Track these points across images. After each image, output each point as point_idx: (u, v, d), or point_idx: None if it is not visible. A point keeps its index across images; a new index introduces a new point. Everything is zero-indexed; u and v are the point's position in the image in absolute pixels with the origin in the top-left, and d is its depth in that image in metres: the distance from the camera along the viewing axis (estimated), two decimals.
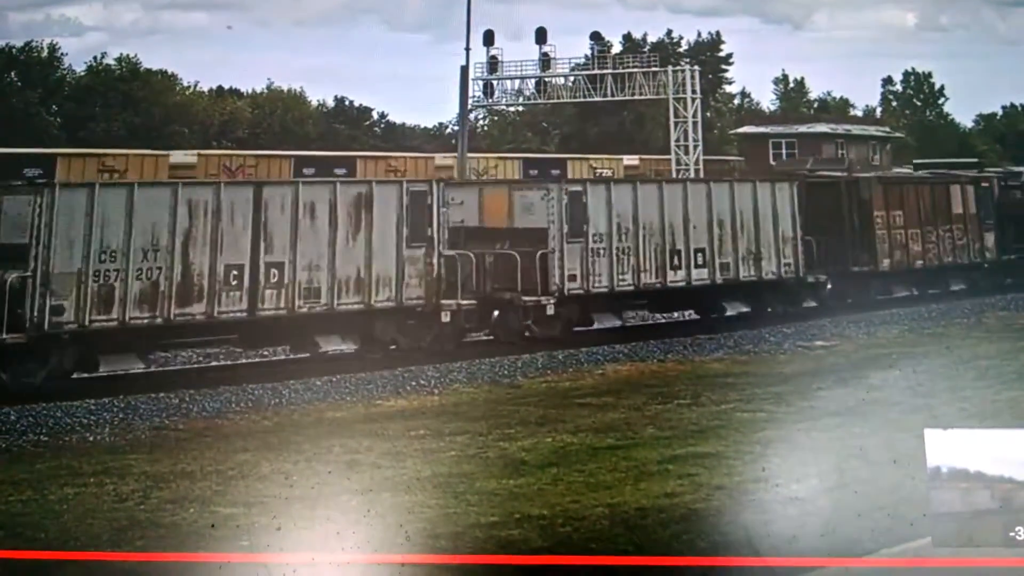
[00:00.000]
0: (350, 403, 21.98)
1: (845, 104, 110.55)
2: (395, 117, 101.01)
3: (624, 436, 17.95)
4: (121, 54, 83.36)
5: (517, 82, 63.53)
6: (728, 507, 13.44)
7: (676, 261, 29.90)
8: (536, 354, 26.83)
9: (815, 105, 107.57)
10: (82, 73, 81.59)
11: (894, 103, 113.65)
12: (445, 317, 26.09)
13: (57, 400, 21.15)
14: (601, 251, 28.47)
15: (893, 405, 18.93)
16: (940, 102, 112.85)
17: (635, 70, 60.48)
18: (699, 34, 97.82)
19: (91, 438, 19.27)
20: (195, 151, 31.18)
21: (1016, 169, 55.77)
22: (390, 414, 20.69)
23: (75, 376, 23.04)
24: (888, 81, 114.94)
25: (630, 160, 60.79)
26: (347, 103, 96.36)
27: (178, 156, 28.65)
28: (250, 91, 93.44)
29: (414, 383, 23.81)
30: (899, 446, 14.92)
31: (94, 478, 16.03)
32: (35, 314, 21.60)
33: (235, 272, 23.47)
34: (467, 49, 58.48)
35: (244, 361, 25.75)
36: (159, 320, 22.81)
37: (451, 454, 16.76)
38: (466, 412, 20.58)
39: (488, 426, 18.88)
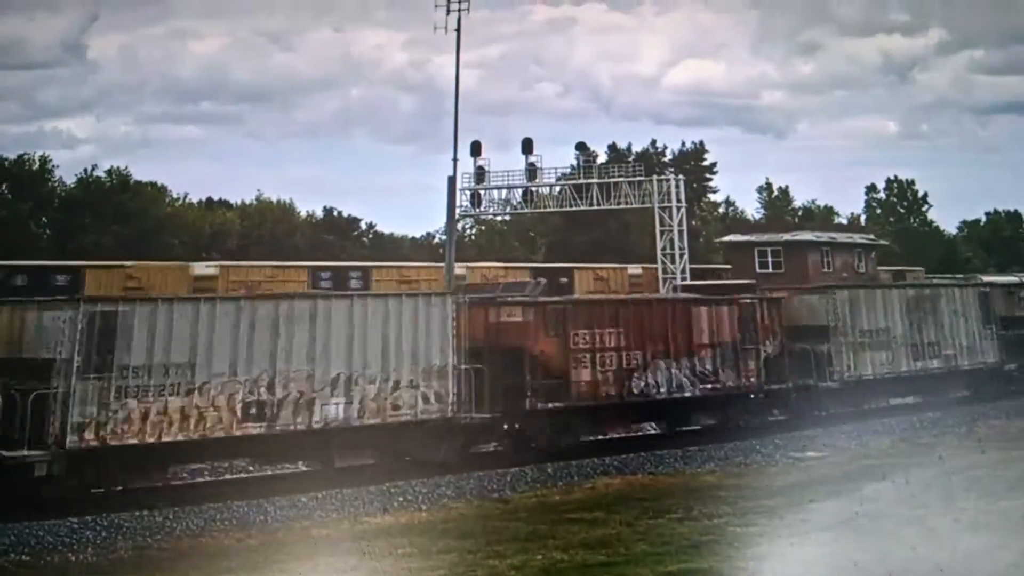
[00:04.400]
0: (336, 520, 21.68)
1: (829, 212, 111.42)
2: (383, 227, 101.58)
3: (616, 552, 17.71)
4: (112, 166, 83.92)
5: (504, 191, 63.94)
6: None
7: None
8: (526, 467, 26.59)
9: (799, 213, 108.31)
10: (73, 185, 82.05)
11: (878, 210, 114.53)
12: None
13: (39, 518, 20.82)
14: None
15: (886, 518, 18.68)
16: (924, 209, 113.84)
17: (620, 179, 60.84)
18: (683, 143, 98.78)
19: (73, 558, 18.99)
20: None
21: None
22: (376, 531, 20.40)
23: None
24: (871, 188, 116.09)
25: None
26: (336, 213, 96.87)
27: None
28: (240, 202, 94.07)
29: (401, 498, 23.52)
30: (893, 560, 14.70)
31: None
32: None
33: None
34: (455, 160, 58.85)
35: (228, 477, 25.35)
36: None
37: (439, 573, 16.47)
38: (454, 529, 20.30)
39: (477, 543, 18.61)
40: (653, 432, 32.69)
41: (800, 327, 34.76)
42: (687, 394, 30.88)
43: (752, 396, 32.86)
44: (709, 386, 31.37)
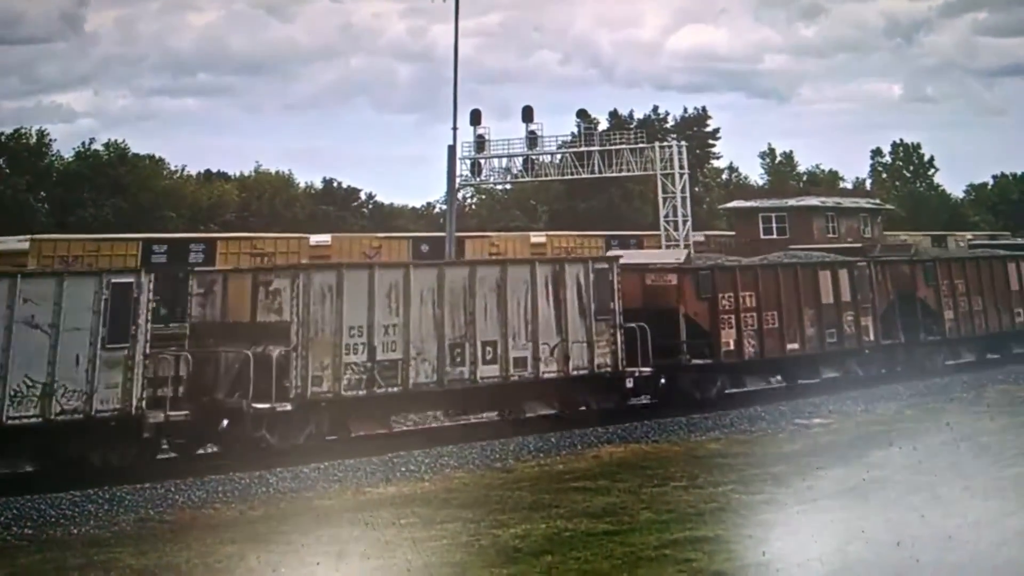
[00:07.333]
0: (338, 491, 21.51)
1: (834, 177, 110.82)
2: (383, 197, 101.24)
3: (620, 521, 17.54)
4: (109, 140, 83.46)
5: (505, 160, 63.62)
6: None
7: None
8: (528, 436, 26.41)
9: (804, 178, 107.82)
10: (70, 159, 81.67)
11: (884, 174, 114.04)
12: None
13: (42, 492, 20.72)
14: None
15: (894, 485, 18.52)
16: (930, 173, 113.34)
17: (622, 146, 60.50)
18: (685, 110, 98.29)
19: (75, 531, 18.83)
20: None
21: None
22: (379, 501, 20.24)
23: None
24: (877, 152, 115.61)
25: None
26: (335, 184, 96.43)
27: None
28: (238, 174, 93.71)
29: (404, 469, 23.37)
30: (902, 528, 14.54)
31: (79, 572, 15.67)
32: None
33: None
34: (454, 128, 58.56)
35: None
36: None
37: (442, 543, 16.31)
38: (457, 498, 20.14)
39: (480, 513, 18.45)
40: None
41: None
42: None
43: None
44: None
